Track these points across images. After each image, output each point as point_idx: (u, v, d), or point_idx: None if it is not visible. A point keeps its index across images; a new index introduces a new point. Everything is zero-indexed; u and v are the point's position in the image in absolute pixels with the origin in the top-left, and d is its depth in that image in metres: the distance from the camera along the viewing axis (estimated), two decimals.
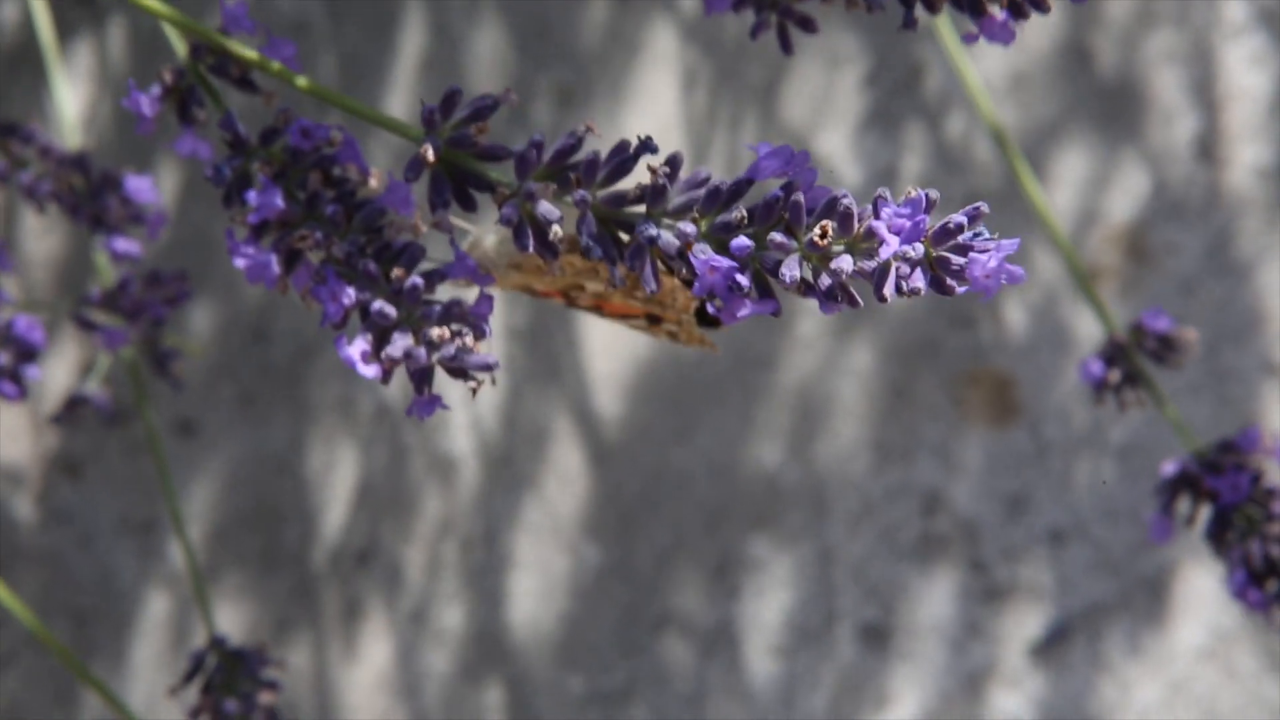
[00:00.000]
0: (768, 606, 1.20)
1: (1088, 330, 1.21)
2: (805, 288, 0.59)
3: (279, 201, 0.61)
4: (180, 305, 0.87)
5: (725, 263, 0.58)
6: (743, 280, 0.58)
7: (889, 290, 0.58)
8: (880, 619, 1.20)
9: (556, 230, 0.60)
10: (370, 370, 0.60)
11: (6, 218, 1.20)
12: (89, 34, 1.22)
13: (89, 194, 0.84)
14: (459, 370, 0.60)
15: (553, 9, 1.23)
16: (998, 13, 0.62)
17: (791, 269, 0.58)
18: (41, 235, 1.21)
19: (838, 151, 1.23)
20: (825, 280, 0.58)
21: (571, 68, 1.23)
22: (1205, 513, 0.84)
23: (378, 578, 1.20)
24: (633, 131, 1.23)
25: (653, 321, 0.73)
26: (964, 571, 1.20)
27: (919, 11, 0.64)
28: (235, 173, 0.63)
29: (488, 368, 0.60)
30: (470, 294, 0.64)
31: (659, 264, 0.61)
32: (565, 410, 1.21)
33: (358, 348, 0.60)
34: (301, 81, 0.65)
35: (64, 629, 1.18)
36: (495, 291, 0.72)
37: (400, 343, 0.59)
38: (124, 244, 0.84)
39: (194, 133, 0.65)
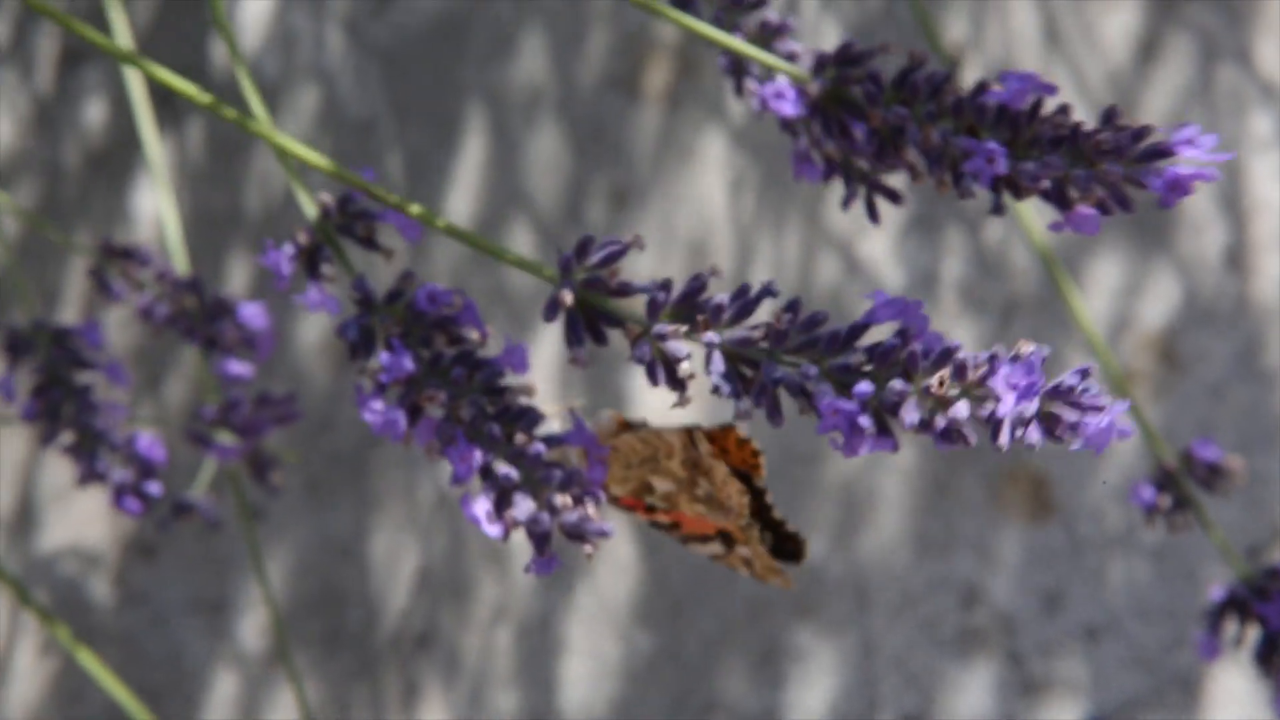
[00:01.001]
0: (811, 694, 1.23)
1: None
2: (923, 428, 0.62)
3: (409, 365, 0.65)
4: (288, 424, 0.90)
5: (848, 406, 0.62)
6: (864, 422, 0.62)
7: (1004, 440, 0.62)
8: (920, 709, 1.24)
9: (685, 368, 0.64)
10: (494, 529, 0.63)
11: (89, 307, 1.24)
12: (168, 133, 1.26)
13: (203, 318, 0.88)
14: (579, 536, 0.63)
15: (608, 113, 1.27)
16: (1085, 210, 0.66)
17: (911, 413, 0.62)
18: (124, 326, 1.25)
19: (879, 255, 1.26)
20: (942, 423, 0.62)
21: (625, 170, 1.27)
22: (1253, 634, 0.88)
23: (436, 661, 1.23)
24: (683, 232, 1.27)
25: (728, 546, 0.75)
26: (1002, 664, 1.24)
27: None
28: (362, 331, 0.67)
29: (604, 535, 0.63)
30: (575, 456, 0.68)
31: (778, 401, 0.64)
32: None
33: (482, 507, 0.63)
34: (439, 224, 0.69)
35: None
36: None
37: (523, 506, 0.63)
38: (236, 367, 0.88)
39: (320, 288, 0.69)
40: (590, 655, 1.24)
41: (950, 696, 1.24)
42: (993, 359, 0.62)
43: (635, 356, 0.64)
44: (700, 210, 1.27)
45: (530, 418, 0.65)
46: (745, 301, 0.64)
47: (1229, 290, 1.25)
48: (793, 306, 0.64)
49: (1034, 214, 1.26)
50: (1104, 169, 0.65)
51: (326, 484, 1.24)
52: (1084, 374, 0.62)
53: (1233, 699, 1.23)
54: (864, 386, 0.62)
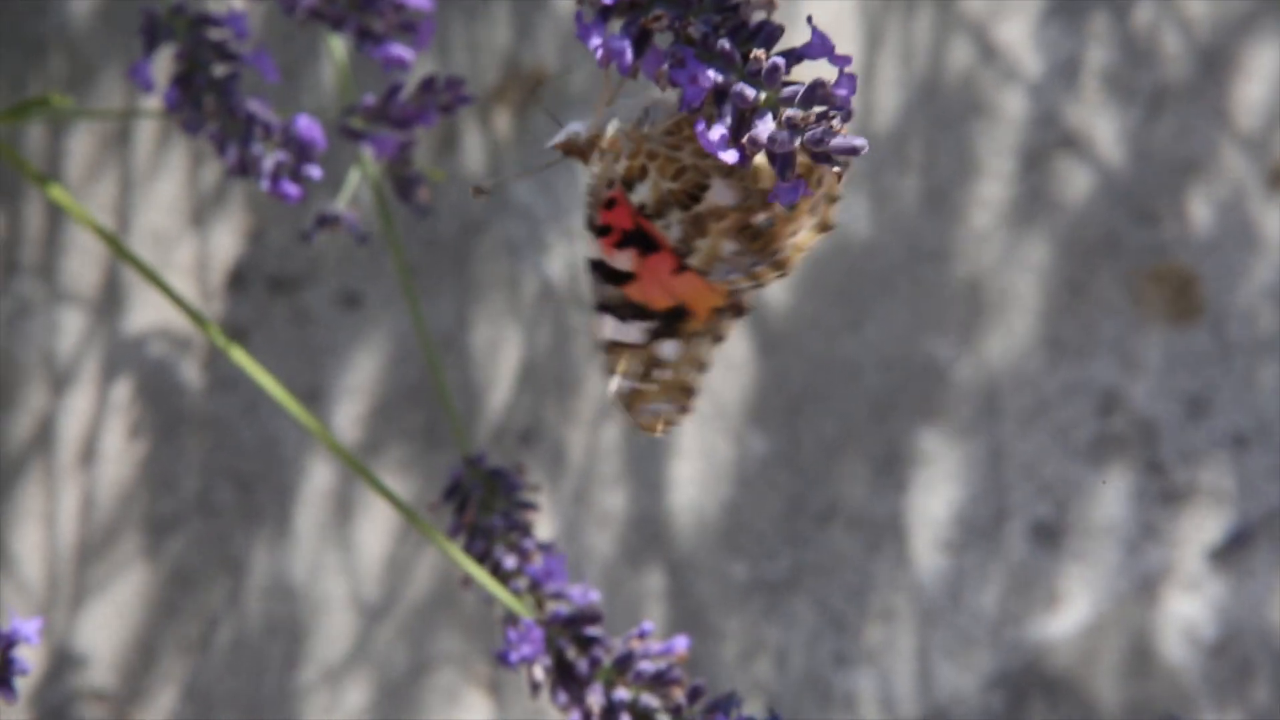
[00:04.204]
0: (936, 501, 1.18)
1: (1276, 228, 1.18)
2: None
3: None
4: (456, 112, 0.82)
5: None
6: None
7: None
8: (1052, 518, 1.18)
9: None
10: (731, 155, 0.58)
11: None
12: None
13: (355, 6, 0.79)
14: (824, 155, 0.57)
15: None
16: None
17: None
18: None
19: (1018, 41, 1.19)
20: None
21: None
22: None
23: (541, 458, 1.18)
24: (806, 10, 1.20)
25: (652, 341, 0.68)
26: (1140, 472, 1.18)
27: None
28: None
29: (854, 150, 0.57)
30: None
31: None
32: None
33: (717, 132, 0.58)
34: None
35: (228, 493, 1.18)
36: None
37: (763, 126, 0.57)
38: (397, 50, 0.79)
39: None
40: (702, 456, 1.18)
41: (1085, 505, 1.17)
42: None
43: None
44: None
45: (769, 33, 0.59)
46: None
47: None
48: None
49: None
50: None
51: (426, 271, 1.19)
52: None
53: None
54: None
